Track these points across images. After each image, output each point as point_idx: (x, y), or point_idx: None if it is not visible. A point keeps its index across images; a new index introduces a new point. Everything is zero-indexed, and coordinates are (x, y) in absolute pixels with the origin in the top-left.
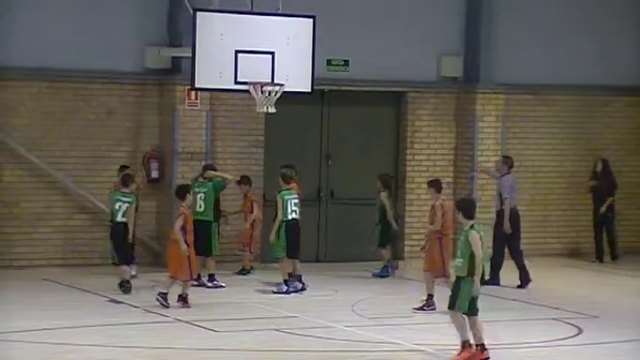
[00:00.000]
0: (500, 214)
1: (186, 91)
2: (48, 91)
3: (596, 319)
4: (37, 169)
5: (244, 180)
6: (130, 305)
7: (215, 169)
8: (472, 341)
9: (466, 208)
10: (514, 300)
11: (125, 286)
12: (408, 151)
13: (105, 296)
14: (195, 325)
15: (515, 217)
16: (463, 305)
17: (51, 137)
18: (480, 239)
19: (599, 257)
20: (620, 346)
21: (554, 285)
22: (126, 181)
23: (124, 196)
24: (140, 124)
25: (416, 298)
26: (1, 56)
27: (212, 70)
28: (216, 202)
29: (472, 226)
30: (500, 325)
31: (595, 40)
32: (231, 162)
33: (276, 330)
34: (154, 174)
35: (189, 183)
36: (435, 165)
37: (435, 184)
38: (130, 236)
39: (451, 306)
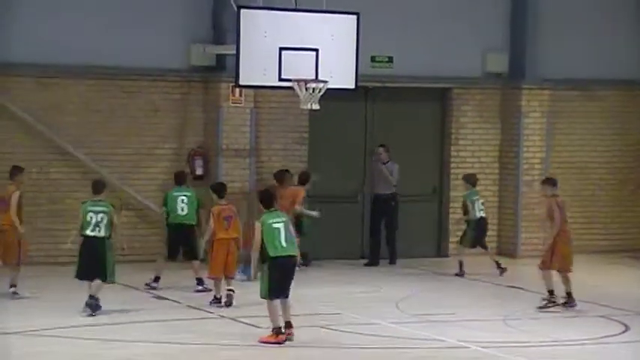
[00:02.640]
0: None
1: (231, 88)
2: (95, 89)
3: None
4: (83, 165)
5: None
6: (174, 301)
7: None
8: None
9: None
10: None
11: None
12: (452, 148)
13: (149, 292)
14: (239, 321)
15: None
16: None
17: (97, 134)
18: None
19: None
20: None
21: (602, 282)
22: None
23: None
24: (185, 121)
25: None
26: (49, 55)
27: (256, 68)
28: (198, 207)
29: None
30: (544, 321)
31: None
32: (276, 159)
33: (323, 327)
34: (199, 171)
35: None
36: (479, 161)
37: (551, 182)
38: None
39: None
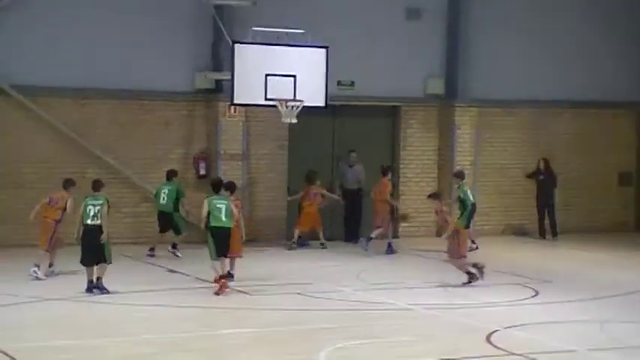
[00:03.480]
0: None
1: (227, 106)
2: (120, 107)
3: (549, 284)
4: (111, 167)
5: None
6: (184, 274)
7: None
8: None
9: None
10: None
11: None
12: (401, 153)
13: (164, 267)
14: (235, 289)
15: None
16: None
17: (122, 143)
18: None
19: (542, 235)
20: (570, 304)
21: (518, 257)
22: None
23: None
24: (191, 133)
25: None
26: (85, 80)
27: (247, 90)
28: (177, 198)
29: None
30: (473, 287)
31: (552, 63)
32: (262, 162)
33: (299, 293)
34: (202, 171)
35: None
36: (422, 163)
37: (435, 195)
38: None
39: None
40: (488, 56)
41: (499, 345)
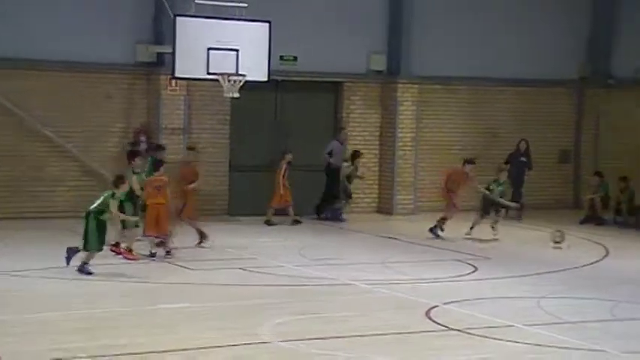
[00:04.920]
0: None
1: (168, 79)
2: (60, 79)
3: (489, 260)
4: (51, 140)
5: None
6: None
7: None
8: None
9: None
10: (427, 246)
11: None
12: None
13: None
14: (177, 265)
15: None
16: None
17: (61, 116)
18: None
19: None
20: (508, 280)
21: (457, 234)
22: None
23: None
24: (131, 106)
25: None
26: (29, 52)
27: (188, 63)
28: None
29: None
30: (413, 264)
31: (493, 41)
32: (204, 136)
33: (240, 269)
34: (142, 145)
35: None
36: (365, 139)
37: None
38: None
39: None
40: (430, 33)
41: (438, 320)
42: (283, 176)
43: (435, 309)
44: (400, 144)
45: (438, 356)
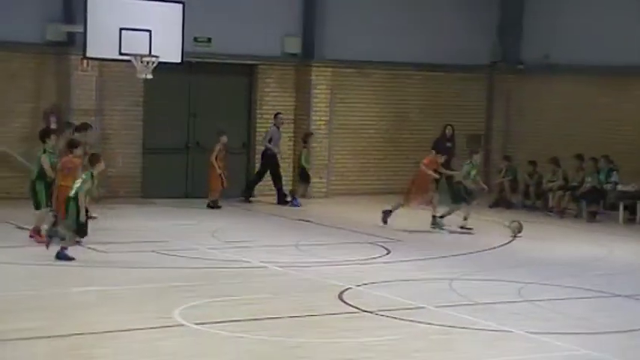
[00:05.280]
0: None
1: (80, 60)
2: None
3: (401, 243)
4: None
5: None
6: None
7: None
8: None
9: None
10: (340, 228)
11: None
12: (258, 112)
13: (13, 223)
14: (90, 248)
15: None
16: None
17: None
18: None
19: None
20: (420, 262)
21: (370, 217)
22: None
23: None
24: (41, 86)
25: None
26: None
27: (100, 44)
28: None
29: None
30: (327, 246)
31: (405, 26)
32: (117, 117)
33: (153, 251)
34: (53, 126)
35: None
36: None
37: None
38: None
39: None
40: (344, 17)
41: (351, 302)
42: (216, 158)
43: (348, 291)
44: (314, 127)
45: (350, 338)
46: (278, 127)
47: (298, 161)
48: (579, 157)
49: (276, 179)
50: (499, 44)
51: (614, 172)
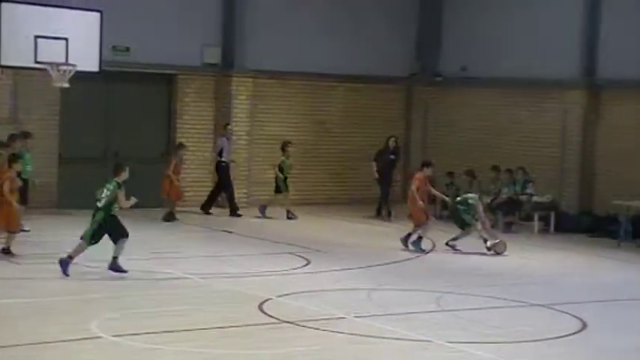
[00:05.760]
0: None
1: None
2: None
3: (321, 253)
4: None
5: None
6: None
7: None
8: None
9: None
10: (261, 239)
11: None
12: (178, 122)
13: None
14: (4, 259)
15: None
16: None
17: None
18: None
19: (381, 215)
20: (340, 272)
21: (290, 227)
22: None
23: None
24: None
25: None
26: None
27: (16, 51)
28: None
29: None
30: (247, 257)
31: (326, 37)
32: (33, 126)
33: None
34: None
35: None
36: (199, 132)
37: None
38: None
39: None
40: (265, 27)
41: (271, 313)
42: (174, 172)
43: (269, 302)
44: (235, 137)
45: (272, 349)
46: (227, 138)
47: (278, 171)
48: (495, 168)
49: (229, 191)
50: (418, 56)
51: (530, 184)
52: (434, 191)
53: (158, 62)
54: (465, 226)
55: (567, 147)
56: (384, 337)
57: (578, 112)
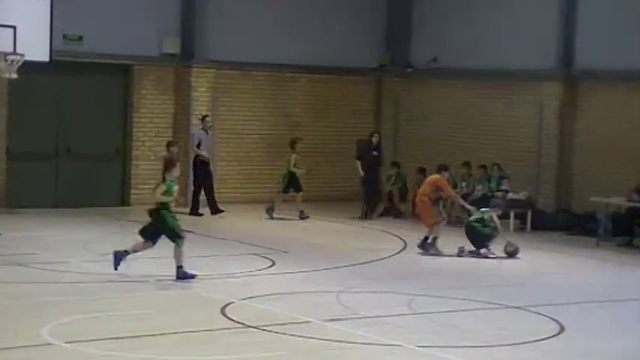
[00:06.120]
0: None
1: None
2: None
3: (287, 254)
4: None
5: None
6: None
7: None
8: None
9: None
10: (223, 238)
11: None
12: (134, 115)
13: None
14: None
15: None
16: None
17: None
18: None
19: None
20: (306, 274)
21: (254, 226)
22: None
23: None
24: None
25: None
26: None
27: None
28: None
29: None
30: (209, 258)
31: (290, 27)
32: None
33: (21, 264)
34: None
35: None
36: (157, 126)
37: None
38: None
39: None
40: (226, 16)
41: (234, 317)
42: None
43: (231, 305)
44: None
45: (234, 354)
46: (206, 131)
47: (287, 167)
48: (467, 164)
49: (208, 188)
50: (387, 47)
51: (505, 180)
52: (458, 199)
53: (113, 52)
54: (488, 239)
55: (544, 141)
56: (353, 342)
57: (555, 105)
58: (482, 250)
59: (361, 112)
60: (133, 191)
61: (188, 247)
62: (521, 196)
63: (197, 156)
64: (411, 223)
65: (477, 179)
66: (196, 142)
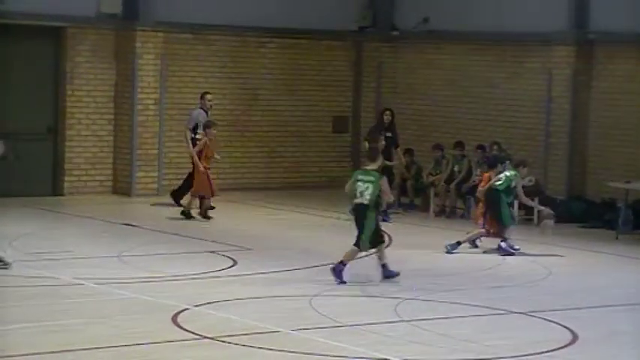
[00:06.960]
0: None
1: None
2: None
3: (250, 252)
4: None
5: None
6: None
7: None
8: None
9: None
10: (174, 234)
11: None
12: (67, 87)
13: None
14: None
15: None
16: None
17: None
18: None
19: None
20: (273, 275)
21: (211, 220)
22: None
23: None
24: None
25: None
26: None
27: None
28: None
29: None
30: (158, 257)
31: None
32: None
33: None
34: None
35: None
36: (95, 101)
37: None
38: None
39: None
40: None
41: (187, 327)
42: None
43: (184, 313)
44: (140, 107)
45: None
46: (206, 111)
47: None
48: (459, 144)
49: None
50: (369, 5)
51: (507, 162)
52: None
53: (42, 12)
54: (506, 223)
55: (553, 117)
56: (327, 355)
57: (566, 74)
58: (503, 245)
59: (338, 84)
60: (66, 178)
61: (132, 243)
62: (527, 181)
63: (193, 139)
64: (399, 214)
65: (476, 162)
66: (192, 124)
